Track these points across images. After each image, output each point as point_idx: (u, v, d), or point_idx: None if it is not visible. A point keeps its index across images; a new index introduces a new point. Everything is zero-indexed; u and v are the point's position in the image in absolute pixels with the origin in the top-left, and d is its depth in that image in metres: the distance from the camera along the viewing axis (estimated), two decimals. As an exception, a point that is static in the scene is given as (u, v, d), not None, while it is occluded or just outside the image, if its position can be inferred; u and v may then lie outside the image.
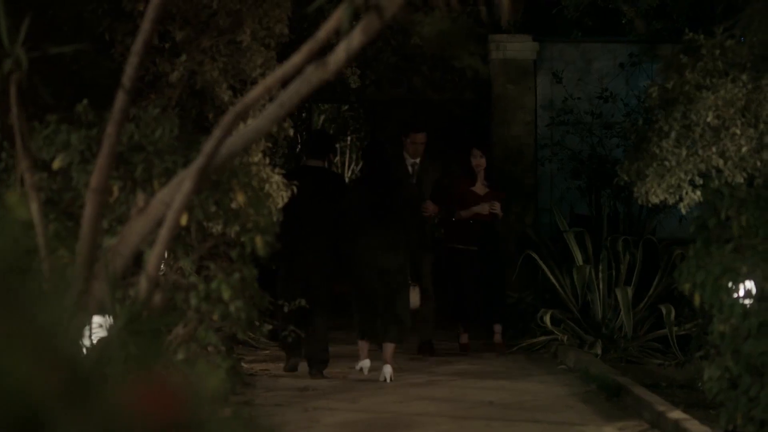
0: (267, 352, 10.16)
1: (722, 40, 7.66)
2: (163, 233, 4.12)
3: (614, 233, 10.57)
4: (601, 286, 10.18)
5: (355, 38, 3.66)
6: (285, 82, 3.75)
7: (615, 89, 12.02)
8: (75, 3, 7.61)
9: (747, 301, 5.79)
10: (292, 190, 7.33)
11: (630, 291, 10.01)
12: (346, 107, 19.90)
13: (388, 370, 8.84)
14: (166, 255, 6.43)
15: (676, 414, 7.26)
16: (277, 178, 7.27)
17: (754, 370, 5.75)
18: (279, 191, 7.27)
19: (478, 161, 10.55)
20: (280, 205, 7.29)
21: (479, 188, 10.54)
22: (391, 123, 14.00)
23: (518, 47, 12.54)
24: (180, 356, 5.98)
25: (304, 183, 8.75)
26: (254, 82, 7.39)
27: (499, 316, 10.52)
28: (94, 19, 7.55)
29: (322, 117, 21.81)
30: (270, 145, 7.42)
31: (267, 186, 7.15)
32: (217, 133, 3.97)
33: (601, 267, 10.19)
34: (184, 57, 7.19)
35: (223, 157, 4.07)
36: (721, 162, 7.35)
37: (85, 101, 5.98)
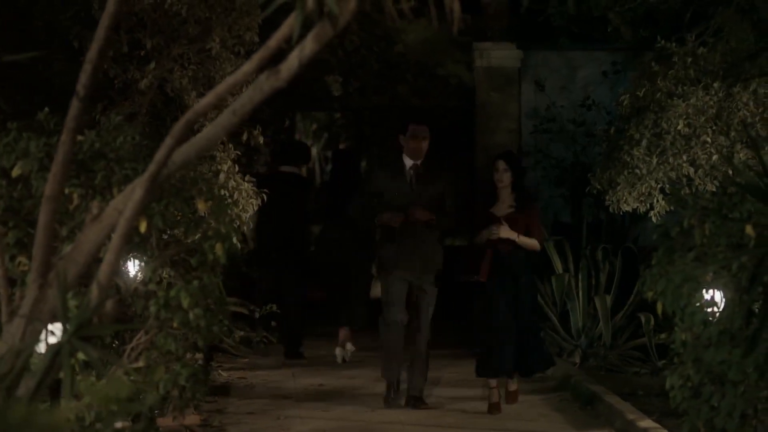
0: (246, 360, 10.14)
1: (694, 47, 7.66)
2: (115, 241, 4.12)
3: (596, 241, 10.55)
4: (580, 294, 10.15)
5: (308, 46, 3.66)
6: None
7: (599, 97, 12.02)
8: (49, 11, 7.63)
9: (711, 309, 5.78)
10: (262, 198, 7.34)
11: (609, 299, 9.98)
12: (339, 115, 19.91)
13: (338, 352, 10.20)
14: (140, 263, 6.43)
15: (646, 422, 7.26)
16: (247, 185, 7.26)
17: (715, 378, 5.74)
18: (249, 199, 7.26)
19: (501, 176, 8.35)
20: (250, 212, 7.29)
21: (500, 208, 8.35)
22: (377, 130, 13.98)
23: (502, 55, 12.54)
24: (141, 363, 5.97)
25: (277, 188, 9.85)
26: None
27: (511, 367, 8.17)
28: (68, 27, 7.56)
29: (314, 125, 21.85)
30: (240, 153, 7.40)
31: (236, 194, 7.13)
32: (168, 141, 3.97)
33: (580, 275, 10.16)
34: (153, 65, 7.19)
35: (177, 165, 4.06)
36: (691, 170, 7.34)
37: (46, 109, 5.99)
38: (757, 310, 5.38)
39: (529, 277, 8.44)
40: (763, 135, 7.20)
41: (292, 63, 3.70)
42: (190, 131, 4.11)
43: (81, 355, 5.12)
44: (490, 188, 8.52)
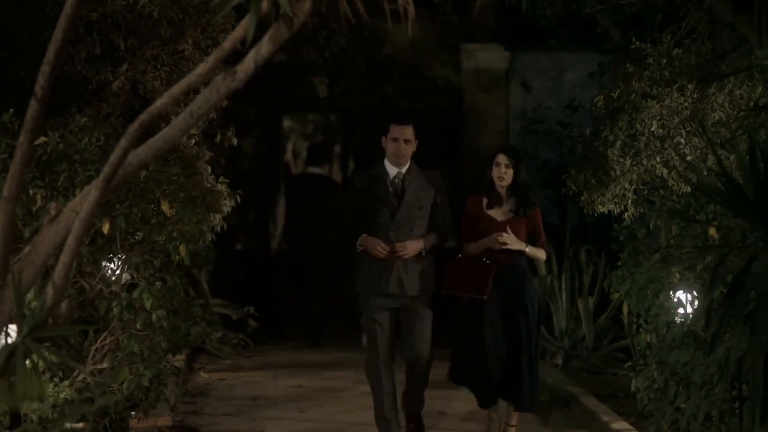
0: (228, 361, 10.13)
1: (669, 48, 7.64)
2: (69, 242, 4.11)
3: (582, 243, 10.53)
4: (563, 296, 10.13)
5: (264, 47, 3.65)
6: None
7: (586, 99, 11.96)
8: (22, 11, 7.63)
9: (676, 311, 5.77)
10: (236, 199, 7.32)
11: (592, 301, 9.96)
12: (334, 117, 19.87)
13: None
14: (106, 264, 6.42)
15: (620, 424, 7.24)
16: (221, 187, 7.24)
17: (680, 380, 5.73)
18: (223, 200, 7.24)
19: (503, 172, 6.98)
20: (225, 213, 7.27)
21: (499, 211, 7.06)
22: (372, 131, 13.93)
23: (490, 57, 12.54)
24: (105, 365, 5.99)
25: (305, 188, 11.06)
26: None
27: (517, 399, 7.08)
28: (41, 28, 7.56)
29: (310, 126, 21.80)
30: (214, 154, 7.38)
31: (209, 195, 7.12)
32: (122, 142, 3.96)
33: (563, 277, 10.14)
34: (125, 66, 7.19)
35: (134, 166, 4.04)
36: (665, 171, 7.32)
37: (11, 110, 6.00)
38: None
39: (531, 292, 7.16)
40: (737, 136, 7.17)
41: (248, 64, 3.70)
42: (147, 132, 4.10)
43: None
44: (484, 187, 7.12)
